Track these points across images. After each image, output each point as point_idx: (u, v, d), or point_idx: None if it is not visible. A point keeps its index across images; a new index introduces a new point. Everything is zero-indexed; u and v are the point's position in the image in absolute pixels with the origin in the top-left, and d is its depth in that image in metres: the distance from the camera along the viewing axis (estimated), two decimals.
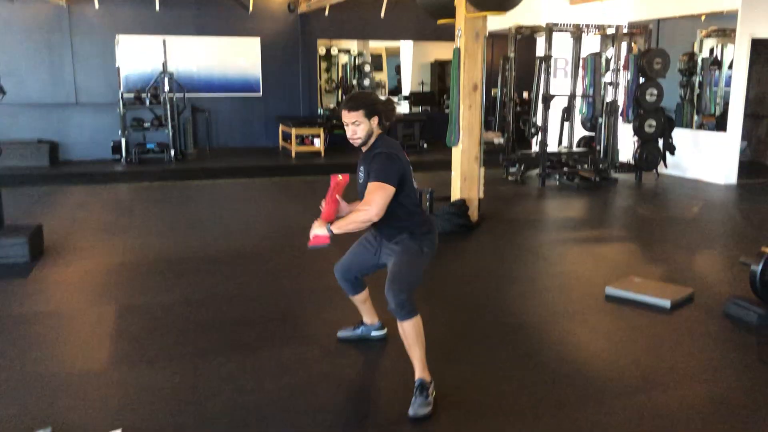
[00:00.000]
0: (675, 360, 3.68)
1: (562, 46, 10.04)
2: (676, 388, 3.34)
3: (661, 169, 9.60)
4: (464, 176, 6.47)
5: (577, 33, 9.47)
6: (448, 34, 12.64)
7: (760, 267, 4.17)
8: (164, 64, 10.93)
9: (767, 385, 3.40)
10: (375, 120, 3.15)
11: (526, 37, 9.95)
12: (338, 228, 3.10)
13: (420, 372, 3.08)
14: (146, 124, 11.05)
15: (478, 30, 6.27)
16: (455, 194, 6.57)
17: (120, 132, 10.77)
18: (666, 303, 4.39)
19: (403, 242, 3.21)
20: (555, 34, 9.21)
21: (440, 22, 6.76)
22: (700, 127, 10.47)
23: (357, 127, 3.12)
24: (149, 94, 11.03)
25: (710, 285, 4.92)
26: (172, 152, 10.95)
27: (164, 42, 11.00)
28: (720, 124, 9.90)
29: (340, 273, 3.56)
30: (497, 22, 9.61)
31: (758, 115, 10.90)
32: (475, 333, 4.04)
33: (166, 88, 10.88)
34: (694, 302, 4.50)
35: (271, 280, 5.09)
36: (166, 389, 3.27)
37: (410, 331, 3.08)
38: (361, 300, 3.71)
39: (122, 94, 10.91)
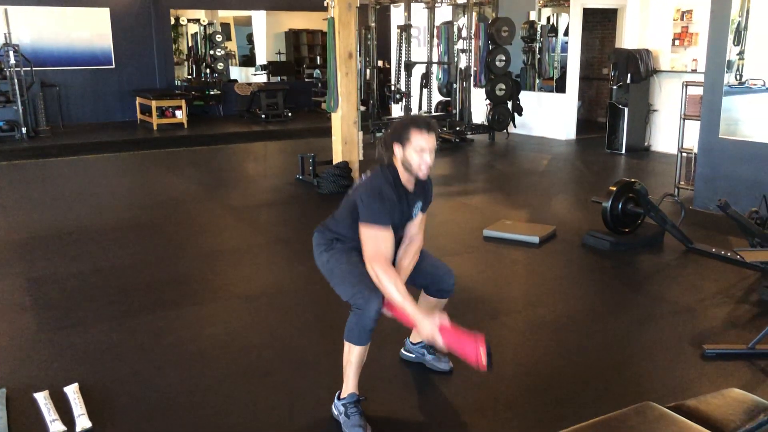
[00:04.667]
0: (548, 283, 4.37)
1: (416, 15, 10.62)
2: (554, 303, 4.00)
3: (510, 128, 10.53)
4: (344, 140, 6.86)
5: (432, 3, 10.10)
6: (300, 4, 12.97)
7: (609, 203, 4.96)
8: (7, 36, 10.29)
9: (620, 294, 4.21)
10: None
11: (382, 7, 10.46)
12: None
13: None
14: None
15: (350, 1, 6.63)
16: (337, 157, 6.95)
17: None
18: (535, 239, 5.10)
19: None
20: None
21: None
22: (541, 89, 11.55)
23: (432, 155, 2.59)
24: None
25: (568, 222, 5.72)
26: (24, 130, 10.38)
27: (6, 11, 10.34)
28: (558, 86, 10.99)
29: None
30: None
31: (589, 77, 12.20)
32: None
33: (12, 61, 10.26)
34: (557, 237, 5.26)
35: (171, 246, 5.24)
36: (106, 345, 3.43)
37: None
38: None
39: None
